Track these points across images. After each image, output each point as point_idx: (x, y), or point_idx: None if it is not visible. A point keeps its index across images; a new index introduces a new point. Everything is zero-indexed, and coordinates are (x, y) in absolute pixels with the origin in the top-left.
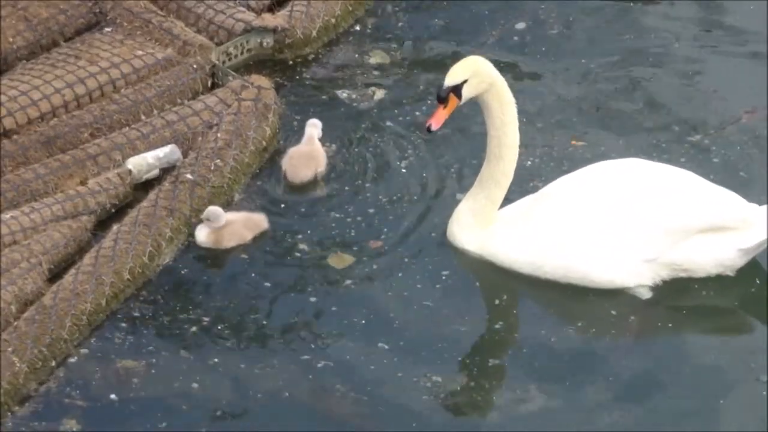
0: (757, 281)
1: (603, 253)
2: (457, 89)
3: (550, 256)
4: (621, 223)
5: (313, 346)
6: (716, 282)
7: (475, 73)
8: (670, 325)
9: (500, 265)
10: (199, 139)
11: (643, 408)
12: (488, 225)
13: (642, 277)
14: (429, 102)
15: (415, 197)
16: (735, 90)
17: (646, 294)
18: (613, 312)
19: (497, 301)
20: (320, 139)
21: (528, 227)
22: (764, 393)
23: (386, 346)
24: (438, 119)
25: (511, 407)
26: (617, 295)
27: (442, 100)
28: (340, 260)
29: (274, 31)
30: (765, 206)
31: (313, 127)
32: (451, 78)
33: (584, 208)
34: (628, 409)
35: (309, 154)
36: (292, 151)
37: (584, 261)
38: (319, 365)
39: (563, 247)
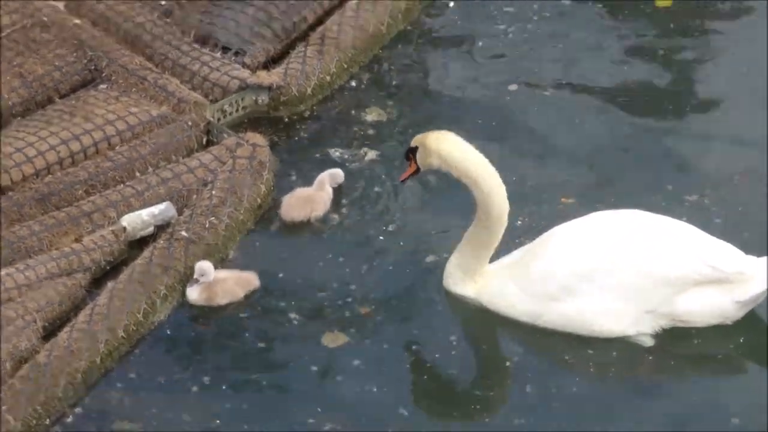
0: (756, 330)
1: (602, 304)
2: (414, 153)
3: (548, 306)
4: (619, 273)
5: (319, 410)
6: (716, 330)
7: (422, 144)
8: (671, 371)
9: (498, 313)
10: (194, 196)
11: None
12: (478, 278)
13: (642, 325)
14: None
15: (403, 261)
16: (725, 147)
17: (649, 341)
18: (617, 358)
19: (507, 363)
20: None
21: (525, 275)
22: None
23: (405, 413)
24: (403, 175)
25: None
26: (619, 342)
27: (407, 158)
28: (334, 339)
29: (269, 88)
30: (763, 258)
31: (328, 175)
32: (413, 141)
33: (582, 257)
34: None
35: (308, 197)
36: (297, 191)
37: (583, 311)
38: (326, 428)
39: (561, 296)
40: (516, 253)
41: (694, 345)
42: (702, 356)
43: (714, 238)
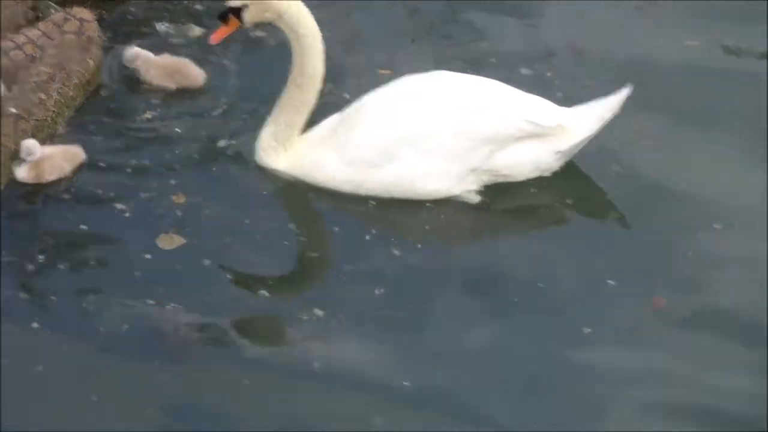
0: (574, 178)
1: (424, 166)
2: (237, 12)
3: (369, 173)
4: (440, 134)
5: (161, 292)
6: (538, 181)
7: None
8: (500, 225)
9: (317, 185)
10: (22, 72)
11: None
12: (291, 147)
13: (466, 183)
14: (239, 40)
15: (207, 147)
16: (550, 19)
17: (475, 198)
18: (444, 218)
19: (334, 228)
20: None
21: (343, 145)
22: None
23: (266, 293)
24: (217, 36)
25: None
26: (445, 202)
27: (222, 19)
28: (169, 241)
29: None
30: (576, 107)
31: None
32: (233, 1)
33: (401, 121)
34: (484, 319)
35: (176, 67)
36: (161, 57)
37: (406, 174)
38: (169, 306)
39: (382, 162)
40: (327, 123)
41: (518, 198)
42: (525, 209)
43: (527, 94)
